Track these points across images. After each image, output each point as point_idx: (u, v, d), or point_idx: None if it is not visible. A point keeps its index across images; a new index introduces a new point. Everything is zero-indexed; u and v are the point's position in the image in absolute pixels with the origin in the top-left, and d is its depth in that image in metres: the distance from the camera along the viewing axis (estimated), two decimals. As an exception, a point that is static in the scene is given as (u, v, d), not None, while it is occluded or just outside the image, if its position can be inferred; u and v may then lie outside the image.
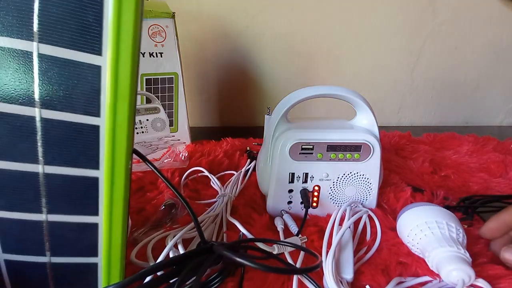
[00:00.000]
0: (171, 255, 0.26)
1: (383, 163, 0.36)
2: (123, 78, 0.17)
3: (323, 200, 0.36)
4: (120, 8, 0.15)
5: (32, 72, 0.16)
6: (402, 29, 0.74)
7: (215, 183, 0.43)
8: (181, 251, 0.26)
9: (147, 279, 0.21)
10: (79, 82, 0.17)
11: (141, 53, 0.46)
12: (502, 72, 0.80)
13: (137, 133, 0.50)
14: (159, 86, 0.49)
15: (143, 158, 0.24)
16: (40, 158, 0.18)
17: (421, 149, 0.58)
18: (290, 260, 0.28)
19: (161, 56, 0.47)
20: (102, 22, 0.16)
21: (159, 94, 0.50)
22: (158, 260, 0.25)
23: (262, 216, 0.35)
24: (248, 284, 0.26)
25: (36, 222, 0.19)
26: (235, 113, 0.80)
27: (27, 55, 0.16)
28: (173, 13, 0.46)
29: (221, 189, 0.41)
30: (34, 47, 0.16)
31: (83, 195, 0.18)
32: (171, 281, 0.22)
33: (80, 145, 0.18)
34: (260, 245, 0.28)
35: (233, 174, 0.45)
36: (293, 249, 0.29)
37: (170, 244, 0.26)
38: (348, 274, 0.26)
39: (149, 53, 0.46)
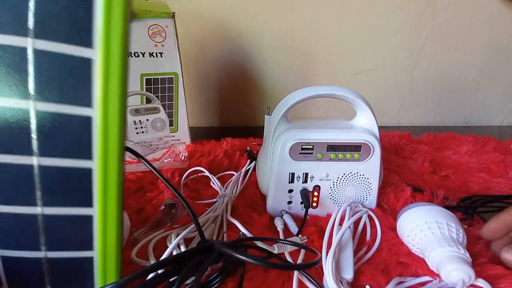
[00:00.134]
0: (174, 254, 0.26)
1: (383, 163, 0.36)
2: (114, 70, 0.17)
3: (323, 200, 0.36)
4: (110, 2, 0.16)
5: (27, 67, 0.17)
6: (402, 29, 0.74)
7: (215, 183, 0.43)
8: (183, 250, 0.26)
9: (148, 277, 0.21)
10: (72, 75, 0.17)
11: (141, 53, 0.46)
12: (502, 72, 0.80)
13: (137, 133, 0.50)
14: (159, 86, 0.49)
15: (142, 158, 0.24)
16: (35, 150, 0.18)
17: (421, 149, 0.58)
18: (290, 260, 0.28)
19: (161, 56, 0.47)
20: (92, 16, 0.16)
21: (159, 94, 0.50)
22: (161, 259, 0.25)
23: (262, 216, 0.35)
24: (248, 284, 0.26)
25: (31, 216, 0.19)
26: (235, 113, 0.80)
27: (22, 51, 0.17)
28: (173, 13, 0.46)
29: (221, 189, 0.41)
30: (29, 43, 0.16)
31: (77, 187, 0.19)
32: (171, 280, 0.22)
33: (73, 136, 0.18)
34: (260, 244, 0.28)
35: (233, 175, 0.45)
36: (294, 249, 0.29)
37: (174, 242, 0.27)
38: (348, 274, 0.26)
39: (149, 53, 0.46)
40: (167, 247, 0.27)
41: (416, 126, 0.83)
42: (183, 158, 0.51)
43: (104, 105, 0.17)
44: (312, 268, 0.26)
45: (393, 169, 0.49)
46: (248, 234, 0.31)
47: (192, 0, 0.68)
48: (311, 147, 0.33)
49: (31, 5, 0.16)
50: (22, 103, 0.17)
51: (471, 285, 0.25)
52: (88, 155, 0.18)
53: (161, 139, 0.53)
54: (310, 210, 0.36)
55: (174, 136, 0.54)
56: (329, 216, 0.34)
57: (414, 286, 0.27)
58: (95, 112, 0.17)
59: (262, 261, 0.21)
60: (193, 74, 0.74)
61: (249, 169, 0.47)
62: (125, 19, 0.17)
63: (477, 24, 0.74)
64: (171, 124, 0.53)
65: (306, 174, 0.34)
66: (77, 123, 0.18)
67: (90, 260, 0.20)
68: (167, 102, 0.51)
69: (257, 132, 0.61)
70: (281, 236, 0.32)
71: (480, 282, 0.25)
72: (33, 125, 0.17)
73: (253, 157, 0.50)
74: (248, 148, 0.56)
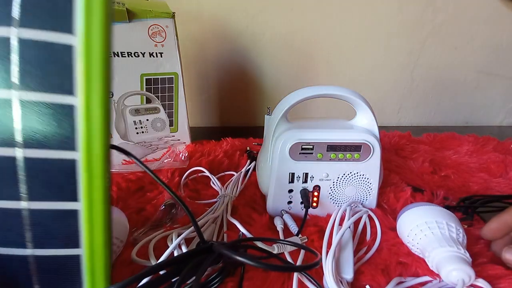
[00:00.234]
0: (175, 254, 0.26)
1: (383, 163, 0.36)
2: (95, 56, 0.17)
3: (323, 200, 0.36)
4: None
5: (10, 55, 0.17)
6: (402, 29, 0.74)
7: (215, 183, 0.43)
8: (184, 250, 0.26)
9: (145, 280, 0.21)
10: (54, 62, 0.17)
11: (141, 53, 0.46)
12: (502, 72, 0.80)
13: (137, 133, 0.50)
14: (159, 86, 0.49)
15: (138, 161, 0.23)
16: (18, 141, 0.17)
17: (421, 149, 0.58)
18: (290, 260, 0.28)
19: (161, 56, 0.47)
20: (72, 2, 0.16)
21: (159, 94, 0.50)
22: (161, 259, 0.25)
23: (262, 216, 0.35)
24: (248, 284, 0.26)
25: (16, 210, 0.18)
26: (235, 113, 0.80)
27: (6, 40, 0.16)
28: (173, 13, 0.46)
29: (221, 190, 0.41)
30: (13, 33, 0.16)
31: (62, 179, 0.18)
32: (171, 281, 0.22)
33: (56, 125, 0.17)
34: (260, 244, 0.28)
35: (233, 175, 0.45)
36: (294, 248, 0.29)
37: (175, 243, 0.27)
38: (348, 274, 0.26)
39: (149, 53, 0.46)
40: (168, 246, 0.27)
41: (416, 126, 0.83)
42: (183, 158, 0.51)
43: (87, 92, 0.17)
44: (312, 269, 0.26)
45: (393, 169, 0.49)
46: (248, 234, 0.31)
47: (192, 0, 0.68)
48: (311, 147, 0.33)
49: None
50: (4, 93, 0.17)
51: (471, 285, 0.25)
52: (71, 146, 0.18)
53: (161, 139, 0.53)
54: (310, 210, 0.36)
55: (174, 136, 0.54)
56: (329, 216, 0.34)
57: (414, 286, 0.27)
58: (78, 100, 0.17)
59: (261, 263, 0.21)
60: (193, 74, 0.74)
61: (249, 169, 0.47)
62: (106, 5, 0.16)
63: (477, 24, 0.74)
64: (171, 124, 0.53)
65: (306, 174, 0.34)
66: (60, 113, 0.17)
67: (77, 259, 0.19)
68: (167, 102, 0.51)
69: (257, 132, 0.61)
70: (281, 236, 0.32)
71: (480, 282, 0.25)
72: (16, 116, 0.17)
73: (253, 157, 0.50)
74: (248, 148, 0.56)
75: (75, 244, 0.19)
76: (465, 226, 0.34)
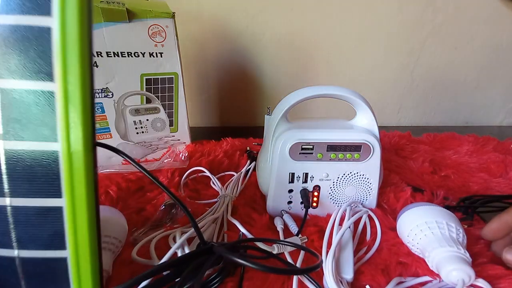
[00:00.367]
0: (179, 254, 0.26)
1: (383, 163, 0.36)
2: (72, 38, 0.16)
3: (323, 200, 0.36)
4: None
5: None
6: (402, 29, 0.74)
7: (215, 183, 0.43)
8: (187, 250, 0.26)
9: (146, 281, 0.21)
10: (31, 46, 0.16)
11: (141, 53, 0.46)
12: (502, 72, 0.80)
13: (137, 133, 0.50)
14: (159, 86, 0.49)
15: (135, 163, 0.23)
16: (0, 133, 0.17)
17: (421, 149, 0.58)
18: (290, 260, 0.28)
19: (161, 56, 0.47)
20: None
21: (159, 94, 0.50)
22: (164, 258, 0.25)
23: (262, 216, 0.35)
24: (248, 284, 0.26)
25: (0, 207, 0.18)
26: (235, 113, 0.80)
27: None
28: (173, 13, 0.46)
29: (221, 190, 0.41)
30: None
31: (44, 173, 0.17)
32: (172, 282, 0.22)
33: (36, 114, 0.17)
34: (260, 244, 0.28)
35: (233, 175, 0.45)
36: (293, 249, 0.29)
37: (178, 242, 0.27)
38: (348, 274, 0.26)
39: (149, 53, 0.46)
40: (168, 246, 0.28)
41: (416, 126, 0.83)
42: (183, 158, 0.51)
43: (64, 77, 0.16)
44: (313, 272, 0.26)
45: (393, 169, 0.49)
46: (248, 234, 0.31)
47: (192, 0, 0.68)
48: (311, 147, 0.33)
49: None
50: None
51: (471, 285, 0.25)
52: (53, 136, 0.17)
53: (161, 139, 0.53)
54: (310, 210, 0.36)
55: (174, 136, 0.54)
56: (329, 216, 0.34)
57: (414, 286, 0.27)
58: (57, 86, 0.16)
59: (262, 266, 0.20)
60: (193, 74, 0.74)
61: (249, 169, 0.47)
62: None
63: (477, 24, 0.74)
64: (171, 124, 0.53)
65: (306, 174, 0.34)
66: (40, 100, 0.17)
67: (64, 261, 0.19)
68: (167, 102, 0.51)
69: (257, 132, 0.61)
70: (281, 236, 0.32)
71: (480, 282, 0.25)
72: None
73: (253, 157, 0.50)
74: (248, 148, 0.56)
75: (61, 245, 0.18)
76: (465, 226, 0.34)
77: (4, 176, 0.17)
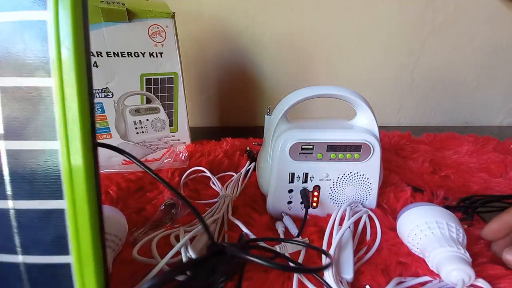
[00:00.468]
0: (182, 252, 0.26)
1: (383, 163, 0.36)
2: (66, 30, 0.16)
3: (323, 200, 0.36)
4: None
5: None
6: (402, 29, 0.74)
7: (216, 183, 0.43)
8: (190, 250, 0.26)
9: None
10: (30, 42, 0.16)
11: (141, 53, 0.46)
12: (502, 72, 0.80)
13: (137, 133, 0.50)
14: (159, 86, 0.49)
15: (138, 161, 0.23)
16: (0, 133, 0.17)
17: (421, 149, 0.58)
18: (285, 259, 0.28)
19: (161, 56, 0.47)
20: None
21: (159, 94, 0.50)
22: (167, 256, 0.25)
23: (262, 216, 0.35)
24: (248, 284, 0.26)
25: (3, 211, 0.17)
26: (235, 113, 0.80)
27: None
28: (173, 13, 0.46)
29: (221, 190, 0.41)
30: None
31: (45, 174, 0.17)
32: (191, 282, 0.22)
33: (36, 112, 0.17)
34: (263, 244, 0.28)
35: (233, 175, 0.45)
36: (295, 250, 0.29)
37: (183, 241, 0.27)
38: (348, 274, 0.26)
39: (149, 53, 0.46)
40: (168, 245, 0.28)
41: (416, 126, 0.83)
42: (183, 158, 0.51)
43: (59, 71, 0.16)
44: (324, 270, 0.26)
45: (393, 169, 0.49)
46: (250, 234, 0.31)
47: (192, 0, 0.68)
48: (311, 147, 0.33)
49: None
50: None
51: (471, 285, 0.25)
52: (52, 134, 0.17)
53: (161, 139, 0.53)
54: (310, 210, 0.36)
55: (174, 136, 0.54)
56: (329, 216, 0.34)
57: (414, 286, 0.27)
58: (53, 81, 0.16)
59: (277, 265, 0.20)
60: (193, 74, 0.74)
61: (249, 169, 0.47)
62: None
63: (477, 24, 0.74)
64: (171, 124, 0.53)
65: (306, 174, 0.34)
66: (37, 96, 0.16)
67: (67, 267, 0.18)
68: (167, 102, 0.51)
69: (257, 132, 0.61)
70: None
71: (480, 282, 0.25)
72: None
73: (253, 157, 0.50)
74: (248, 148, 0.56)
75: (65, 250, 0.18)
76: (465, 226, 0.34)
77: (7, 178, 0.17)
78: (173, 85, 0.50)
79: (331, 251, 0.27)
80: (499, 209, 0.36)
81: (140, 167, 0.23)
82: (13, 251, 0.18)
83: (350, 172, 0.34)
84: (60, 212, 0.17)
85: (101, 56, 0.43)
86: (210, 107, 0.80)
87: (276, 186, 0.35)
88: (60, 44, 0.16)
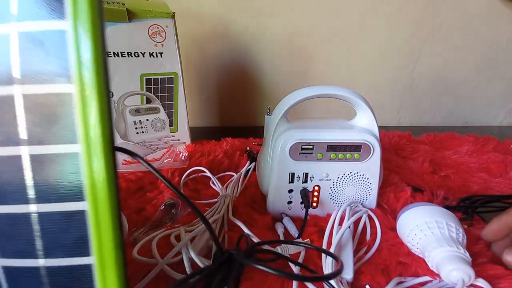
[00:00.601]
0: (183, 252, 0.26)
1: (383, 163, 0.36)
2: (84, 38, 0.16)
3: (323, 200, 0.36)
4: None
5: (10, 52, 0.17)
6: (402, 29, 0.74)
7: (216, 183, 0.43)
8: (191, 252, 0.26)
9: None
10: (51, 50, 0.17)
11: (141, 53, 0.46)
12: (502, 72, 0.80)
13: (137, 133, 0.50)
14: (159, 86, 0.49)
15: (142, 160, 0.23)
16: (23, 138, 0.17)
17: (421, 149, 0.58)
18: (291, 263, 0.28)
19: (161, 56, 0.47)
20: None
21: (159, 94, 0.50)
22: (168, 256, 0.25)
23: (263, 216, 0.35)
24: (248, 284, 0.26)
25: (24, 215, 0.18)
26: (235, 113, 0.80)
27: (6, 37, 0.17)
28: (173, 13, 0.46)
29: (221, 190, 0.41)
30: (12, 28, 0.17)
31: (66, 176, 0.18)
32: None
33: (57, 117, 0.17)
34: (279, 248, 0.28)
35: (233, 176, 0.45)
36: (296, 251, 0.29)
37: (184, 240, 0.27)
38: (348, 274, 0.26)
39: (149, 53, 0.46)
40: (168, 245, 0.27)
41: (416, 126, 0.83)
42: (183, 158, 0.51)
43: (80, 77, 0.17)
44: (336, 276, 0.25)
45: (393, 169, 0.49)
46: (251, 235, 0.31)
47: (192, 0, 0.68)
48: (311, 147, 0.33)
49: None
50: (8, 89, 0.17)
51: (471, 285, 0.25)
52: (73, 138, 0.17)
53: (161, 139, 0.53)
54: (310, 210, 0.36)
55: (174, 136, 0.54)
56: (329, 216, 0.34)
57: (414, 286, 0.26)
58: (74, 88, 0.17)
59: (286, 274, 0.20)
60: (193, 74, 0.75)
61: (249, 169, 0.47)
62: None
63: (477, 24, 0.74)
64: (171, 124, 0.53)
65: (306, 174, 0.34)
66: (58, 102, 0.17)
67: (89, 268, 0.19)
68: (167, 102, 0.51)
69: (257, 132, 0.61)
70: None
71: (480, 282, 0.25)
72: (19, 110, 0.17)
73: (253, 157, 0.50)
74: (248, 148, 0.56)
75: (85, 250, 0.18)
76: (465, 226, 0.34)
77: (30, 182, 0.18)
78: (173, 85, 0.50)
79: (331, 251, 0.27)
80: (499, 209, 0.36)
81: (152, 170, 0.23)
82: (34, 255, 0.18)
83: (350, 172, 0.34)
84: (81, 214, 0.18)
85: (101, 56, 0.43)
86: (210, 107, 0.80)
87: (276, 186, 0.35)
88: (80, 52, 0.17)
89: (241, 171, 0.46)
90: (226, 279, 0.21)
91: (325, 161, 0.34)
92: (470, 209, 0.37)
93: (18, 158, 0.17)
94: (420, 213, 0.30)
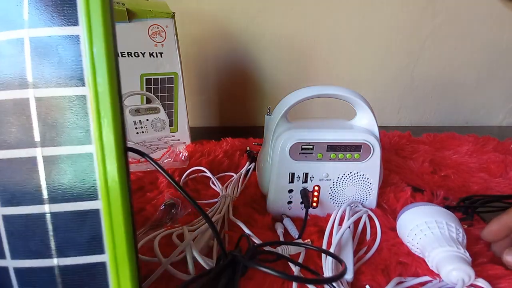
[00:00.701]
0: (187, 252, 0.26)
1: (383, 163, 0.36)
2: (98, 43, 0.17)
3: (323, 200, 0.36)
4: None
5: (24, 56, 0.17)
6: (402, 29, 0.74)
7: (216, 183, 0.43)
8: (194, 251, 0.26)
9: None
10: (64, 54, 0.17)
11: (141, 53, 0.46)
12: (502, 72, 0.80)
13: (137, 133, 0.50)
14: (159, 86, 0.49)
15: (149, 159, 0.23)
16: (37, 140, 0.17)
17: (421, 149, 0.58)
18: (291, 264, 0.28)
19: (161, 56, 0.47)
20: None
21: (159, 94, 0.50)
22: (172, 256, 0.25)
23: (263, 216, 0.35)
24: (248, 284, 0.26)
25: (40, 215, 0.18)
26: (235, 113, 0.80)
27: (20, 42, 0.17)
28: (173, 13, 0.46)
29: (222, 190, 0.41)
30: (25, 34, 0.17)
31: (80, 176, 0.18)
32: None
33: (71, 119, 0.18)
34: (279, 249, 0.28)
35: (232, 176, 0.45)
36: (296, 252, 0.29)
37: (187, 239, 0.27)
38: (348, 274, 0.26)
39: (149, 53, 0.46)
40: (169, 245, 0.27)
41: (416, 126, 0.83)
42: (183, 158, 0.51)
43: (94, 81, 0.17)
44: (340, 279, 0.25)
45: (393, 169, 0.49)
46: (251, 235, 0.31)
47: (192, 0, 0.68)
48: (311, 147, 0.33)
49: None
50: (21, 92, 0.17)
51: (471, 285, 0.25)
52: (87, 140, 0.18)
53: (161, 139, 0.53)
54: (310, 210, 0.36)
55: (174, 136, 0.54)
56: (329, 216, 0.34)
57: (414, 286, 0.26)
58: (87, 90, 0.17)
59: (289, 276, 0.20)
60: (193, 74, 0.75)
61: (249, 169, 0.47)
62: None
63: (477, 24, 0.74)
64: (171, 124, 0.53)
65: (306, 174, 0.34)
66: (72, 105, 0.17)
67: (103, 266, 0.19)
68: (167, 102, 0.51)
69: (257, 132, 0.61)
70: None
71: (480, 282, 0.25)
72: (33, 113, 0.17)
73: (253, 157, 0.50)
74: (248, 148, 0.56)
75: (99, 248, 0.19)
76: (465, 226, 0.34)
77: (43, 183, 0.18)
78: (173, 85, 0.50)
79: (331, 251, 0.27)
80: (499, 209, 0.36)
81: (162, 173, 0.23)
82: (48, 255, 0.18)
83: (350, 172, 0.34)
84: (95, 213, 0.18)
85: (101, 56, 0.43)
86: (210, 107, 0.80)
87: (276, 186, 0.35)
88: (93, 56, 0.17)
89: (241, 171, 0.46)
90: (232, 282, 0.21)
91: (325, 161, 0.34)
92: (470, 209, 0.37)
93: (32, 159, 0.18)
94: (420, 213, 0.30)
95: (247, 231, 0.31)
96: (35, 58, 0.17)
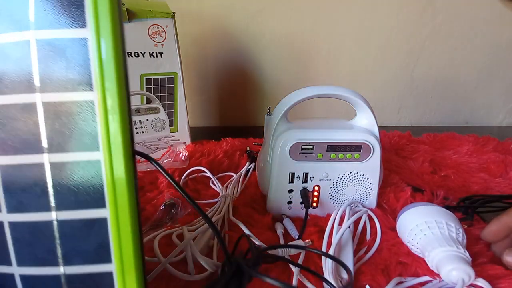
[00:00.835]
0: (187, 253, 0.26)
1: (383, 163, 0.36)
2: (106, 46, 0.17)
3: (323, 200, 0.36)
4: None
5: (31, 59, 0.17)
6: (402, 29, 0.74)
7: (216, 183, 0.43)
8: (194, 252, 0.26)
9: None
10: (72, 58, 0.17)
11: (141, 53, 0.46)
12: (502, 72, 0.80)
13: (137, 133, 0.50)
14: (159, 86, 0.49)
15: (150, 160, 0.23)
16: (44, 147, 0.17)
17: (421, 149, 0.58)
18: (291, 264, 0.28)
19: (161, 56, 0.47)
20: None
21: (159, 94, 0.50)
22: (170, 256, 0.25)
23: (263, 216, 0.35)
24: (248, 284, 0.26)
25: (46, 223, 0.18)
26: (235, 113, 0.80)
27: (26, 44, 0.17)
28: (173, 13, 0.46)
29: (222, 190, 0.41)
30: (31, 35, 0.17)
31: (88, 184, 0.18)
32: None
33: (78, 124, 0.17)
34: (281, 251, 0.28)
35: (232, 176, 0.45)
36: (296, 252, 0.29)
37: (187, 239, 0.27)
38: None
39: (149, 53, 0.46)
40: (169, 244, 0.27)
41: (416, 126, 0.83)
42: (183, 158, 0.51)
43: (102, 86, 0.17)
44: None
45: (393, 169, 0.49)
46: (251, 235, 0.31)
47: (192, 0, 0.68)
48: (311, 147, 0.33)
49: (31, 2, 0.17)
50: (28, 97, 0.17)
51: (471, 284, 0.25)
52: (95, 146, 0.18)
53: (161, 139, 0.53)
54: (310, 210, 0.36)
55: (174, 136, 0.54)
56: (329, 216, 0.34)
57: (414, 286, 0.26)
58: (96, 96, 0.17)
59: None
60: (193, 74, 0.75)
61: (249, 169, 0.47)
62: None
63: (477, 24, 0.74)
64: (171, 124, 0.53)
65: (306, 174, 0.34)
66: (79, 111, 0.17)
67: (109, 275, 0.19)
68: (167, 102, 0.51)
69: (257, 132, 0.61)
70: (281, 241, 0.32)
71: (480, 282, 0.25)
72: (41, 118, 0.17)
73: (253, 157, 0.50)
74: (248, 148, 0.56)
75: (106, 257, 0.18)
76: (465, 226, 0.34)
77: (51, 190, 0.18)
78: (173, 85, 0.50)
79: (331, 251, 0.28)
80: (499, 209, 0.37)
81: (169, 179, 0.23)
82: (55, 263, 0.18)
83: (350, 172, 0.34)
84: (102, 221, 0.18)
85: (101, 56, 0.43)
86: (210, 107, 0.80)
87: (276, 186, 0.35)
88: (102, 60, 0.17)
89: (241, 171, 0.46)
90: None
91: (325, 161, 0.34)
92: (470, 209, 0.37)
93: (39, 166, 0.17)
94: (420, 213, 0.30)
95: (247, 231, 0.31)
96: (42, 60, 0.17)
